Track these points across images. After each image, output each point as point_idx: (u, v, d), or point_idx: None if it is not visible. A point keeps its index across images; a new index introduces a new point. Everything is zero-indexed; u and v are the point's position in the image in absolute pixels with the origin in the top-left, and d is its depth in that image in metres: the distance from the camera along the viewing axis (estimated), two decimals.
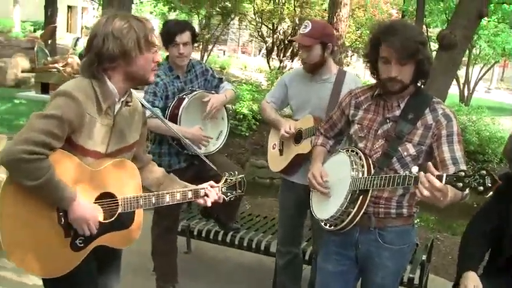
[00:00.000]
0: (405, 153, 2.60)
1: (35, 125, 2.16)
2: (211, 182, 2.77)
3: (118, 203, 2.43)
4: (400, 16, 15.91)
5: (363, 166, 2.59)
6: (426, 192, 2.18)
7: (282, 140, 3.73)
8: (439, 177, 2.14)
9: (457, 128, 2.59)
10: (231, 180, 2.86)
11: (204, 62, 13.84)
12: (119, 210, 2.44)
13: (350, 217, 2.60)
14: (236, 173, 2.91)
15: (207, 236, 4.49)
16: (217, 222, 4.46)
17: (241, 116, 9.82)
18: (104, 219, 2.41)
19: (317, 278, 2.93)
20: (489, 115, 12.37)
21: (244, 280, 4.68)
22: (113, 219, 2.43)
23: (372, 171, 2.58)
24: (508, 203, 2.79)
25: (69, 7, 30.08)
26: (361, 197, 2.58)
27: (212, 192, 2.72)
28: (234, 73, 19.00)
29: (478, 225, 2.94)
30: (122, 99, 2.46)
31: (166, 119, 3.71)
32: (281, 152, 3.76)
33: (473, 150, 9.88)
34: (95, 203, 2.38)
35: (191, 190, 2.69)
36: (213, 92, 3.97)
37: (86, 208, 2.31)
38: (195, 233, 4.56)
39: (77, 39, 17.40)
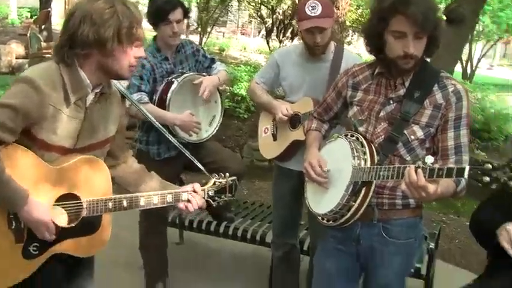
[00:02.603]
0: (412, 137, 2.30)
1: None
2: (196, 185, 2.43)
3: (82, 205, 2.13)
4: None
5: (365, 153, 2.29)
6: (403, 186, 1.98)
7: (277, 124, 3.43)
8: (461, 170, 1.83)
9: (467, 109, 2.30)
10: (220, 183, 2.52)
11: (203, 44, 13.73)
12: (84, 214, 2.14)
13: (351, 211, 2.30)
14: (227, 174, 2.56)
15: (199, 227, 4.24)
16: (210, 213, 4.19)
17: (239, 97, 9.56)
18: (68, 223, 2.11)
19: (315, 277, 2.66)
20: (493, 92, 12.08)
21: (240, 271, 4.46)
22: (74, 224, 2.12)
23: (376, 159, 2.29)
24: None
25: None
26: (364, 188, 2.27)
27: (195, 198, 2.40)
28: (233, 55, 18.68)
29: (488, 210, 2.59)
30: (96, 91, 2.16)
31: (154, 104, 3.44)
32: (274, 137, 3.46)
33: (478, 128, 9.58)
34: (56, 204, 2.08)
35: (171, 193, 2.36)
36: (204, 73, 3.67)
37: (41, 211, 2.00)
38: (186, 223, 4.31)
39: None
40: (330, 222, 2.40)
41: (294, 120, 3.31)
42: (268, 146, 3.51)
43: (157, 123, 2.93)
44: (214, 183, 2.49)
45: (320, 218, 2.45)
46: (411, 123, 2.30)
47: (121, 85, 2.51)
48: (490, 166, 1.77)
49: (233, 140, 8.86)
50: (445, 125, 2.29)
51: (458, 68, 17.86)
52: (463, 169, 1.82)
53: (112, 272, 4.12)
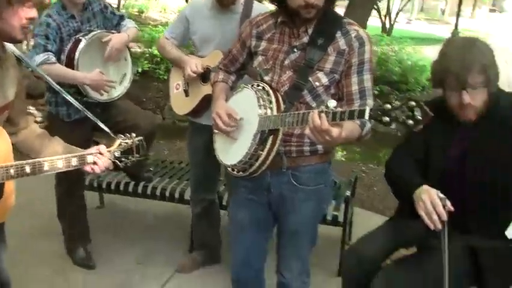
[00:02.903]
0: (316, 84, 2.30)
1: None
2: (101, 147, 2.34)
3: None
4: None
5: (271, 102, 2.28)
6: (307, 131, 1.96)
7: (188, 79, 3.38)
8: (362, 111, 1.85)
9: (369, 54, 2.32)
10: (126, 143, 2.44)
11: (121, 6, 13.28)
12: None
13: (260, 160, 2.29)
14: (133, 135, 2.48)
15: (117, 188, 4.18)
16: (126, 173, 4.13)
17: (158, 59, 9.42)
18: None
19: (230, 228, 2.67)
20: (410, 45, 12.32)
21: (162, 231, 4.44)
22: None
23: (282, 107, 2.28)
24: (431, 133, 2.56)
25: None
26: (271, 137, 2.26)
27: (101, 159, 2.31)
28: (153, 16, 18.28)
29: (400, 158, 2.68)
30: None
31: (63, 64, 3.31)
32: (186, 92, 3.41)
33: (395, 80, 9.81)
34: None
35: (76, 156, 2.25)
36: (113, 31, 3.55)
37: None
38: (104, 186, 4.22)
39: None
40: (240, 172, 2.39)
41: (205, 75, 3.26)
42: (181, 102, 3.46)
43: (54, 84, 2.81)
44: (120, 144, 2.42)
45: (229, 169, 2.44)
46: (316, 70, 2.29)
47: (15, 48, 2.38)
48: (389, 106, 1.79)
49: (153, 101, 8.76)
50: (349, 70, 2.30)
51: (377, 23, 18.18)
52: (364, 110, 1.83)
53: (30, 241, 4.03)
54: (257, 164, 2.31)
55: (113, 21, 3.63)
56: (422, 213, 2.27)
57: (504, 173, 2.40)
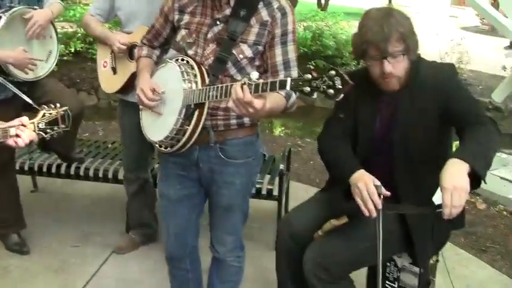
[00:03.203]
0: (240, 56, 2.29)
1: None
2: (23, 119, 2.26)
3: None
4: None
5: (195, 76, 2.26)
6: (230, 103, 1.96)
7: (115, 56, 3.31)
8: (283, 82, 1.86)
9: (293, 25, 2.32)
10: (50, 114, 2.35)
11: None
12: None
13: (186, 135, 2.28)
14: (58, 105, 2.39)
15: (49, 170, 4.07)
16: (57, 155, 4.04)
17: (92, 39, 9.18)
18: None
19: (161, 205, 2.66)
20: (345, 20, 12.40)
21: (99, 213, 4.40)
22: None
23: (207, 81, 2.27)
24: (357, 106, 2.60)
25: None
26: (197, 111, 2.25)
27: (25, 132, 2.23)
28: None
29: (332, 136, 2.70)
30: None
31: None
32: (114, 70, 3.36)
33: (331, 54, 9.87)
34: None
35: None
36: (36, 7, 3.42)
37: None
38: (36, 169, 4.11)
39: None
40: (168, 148, 2.38)
41: (132, 51, 3.21)
42: (109, 80, 3.40)
43: None
44: (43, 115, 2.34)
45: (157, 145, 2.42)
46: (239, 42, 2.28)
47: None
48: (309, 76, 1.80)
49: (88, 82, 8.54)
50: (272, 41, 2.29)
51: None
52: (285, 81, 1.84)
53: None
54: (184, 139, 2.29)
55: None
56: (357, 199, 2.32)
57: (428, 140, 2.46)
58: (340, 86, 1.76)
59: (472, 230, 4.38)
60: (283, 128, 8.66)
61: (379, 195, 2.29)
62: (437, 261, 2.80)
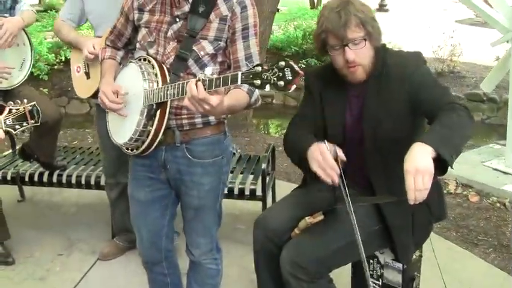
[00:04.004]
0: (202, 53, 2.24)
1: None
2: None
3: None
4: None
5: (156, 75, 2.22)
6: (186, 101, 1.92)
7: (87, 61, 3.27)
8: (234, 76, 1.82)
9: (254, 18, 2.27)
10: (17, 110, 2.36)
11: None
12: None
13: (150, 136, 2.24)
14: (25, 101, 2.41)
15: (31, 179, 4.03)
16: (39, 163, 4.00)
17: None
18: None
19: (131, 210, 2.61)
20: None
21: (84, 220, 4.37)
22: None
23: (168, 79, 2.22)
24: (326, 100, 2.55)
25: None
26: (159, 111, 2.21)
27: None
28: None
29: (295, 127, 2.65)
30: None
31: None
32: (88, 75, 3.31)
33: None
34: None
35: None
36: (6, 15, 3.41)
37: None
38: (18, 178, 4.07)
39: None
40: (134, 150, 2.33)
41: None
42: (83, 85, 3.35)
43: None
44: (10, 111, 2.34)
45: (124, 148, 2.37)
46: (199, 38, 2.24)
47: None
48: (259, 69, 1.76)
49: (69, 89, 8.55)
50: (233, 36, 2.25)
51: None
52: (236, 75, 1.80)
53: None
54: (148, 140, 2.25)
55: (6, 4, 3.49)
56: (317, 170, 2.24)
57: (398, 130, 2.40)
58: (290, 77, 1.72)
59: (464, 224, 4.33)
60: (261, 127, 8.65)
61: (336, 160, 2.23)
62: (421, 256, 2.74)
